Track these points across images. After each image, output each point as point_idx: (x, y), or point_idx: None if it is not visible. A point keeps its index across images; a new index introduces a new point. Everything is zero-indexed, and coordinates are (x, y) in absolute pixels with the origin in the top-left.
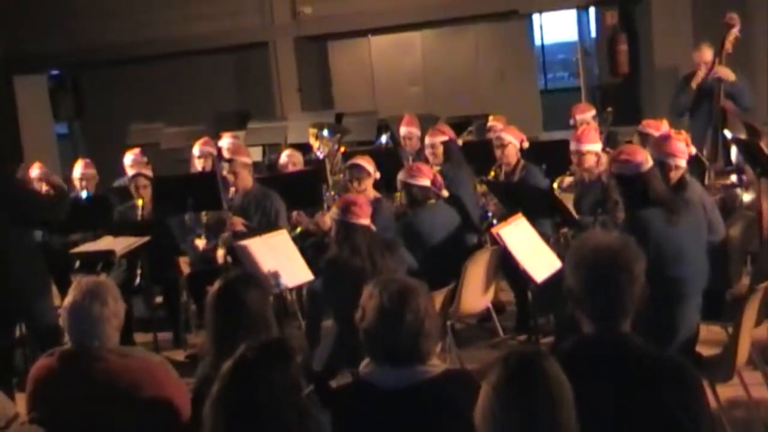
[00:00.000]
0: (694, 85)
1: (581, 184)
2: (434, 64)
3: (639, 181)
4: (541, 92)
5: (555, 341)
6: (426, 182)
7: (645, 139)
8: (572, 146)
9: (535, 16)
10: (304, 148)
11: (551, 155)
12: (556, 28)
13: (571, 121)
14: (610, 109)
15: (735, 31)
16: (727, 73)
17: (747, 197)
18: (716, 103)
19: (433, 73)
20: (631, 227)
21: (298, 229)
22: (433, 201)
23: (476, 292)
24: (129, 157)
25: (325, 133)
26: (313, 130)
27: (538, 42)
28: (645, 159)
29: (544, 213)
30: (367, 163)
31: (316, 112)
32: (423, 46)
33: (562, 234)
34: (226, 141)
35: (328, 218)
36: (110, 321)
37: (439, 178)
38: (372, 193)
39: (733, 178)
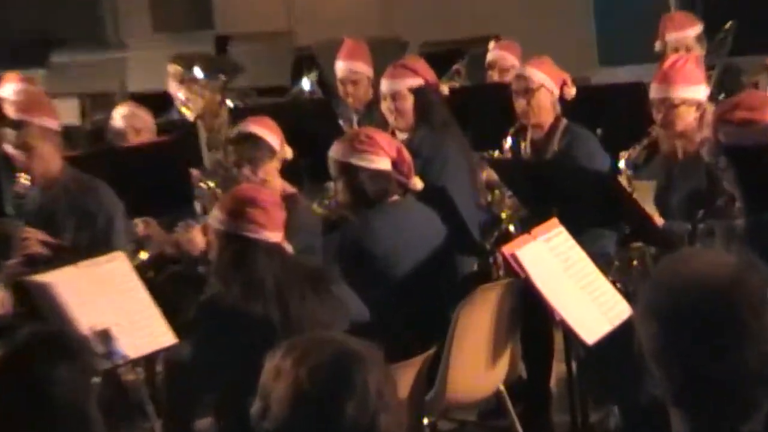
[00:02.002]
0: None
1: (669, 163)
2: None
3: None
4: None
5: None
6: (384, 164)
7: None
8: (654, 91)
9: None
10: (158, 102)
11: (615, 110)
12: None
13: (658, 45)
14: (730, 24)
15: None
16: None
17: None
18: None
19: None
20: (758, 243)
21: (143, 254)
22: (396, 198)
23: (476, 364)
24: None
25: (198, 73)
26: (175, 68)
27: None
28: None
29: (600, 216)
30: (271, 132)
31: (180, 35)
32: None
33: (635, 253)
34: (9, 88)
35: (200, 233)
36: None
37: (408, 156)
38: (281, 186)
39: None
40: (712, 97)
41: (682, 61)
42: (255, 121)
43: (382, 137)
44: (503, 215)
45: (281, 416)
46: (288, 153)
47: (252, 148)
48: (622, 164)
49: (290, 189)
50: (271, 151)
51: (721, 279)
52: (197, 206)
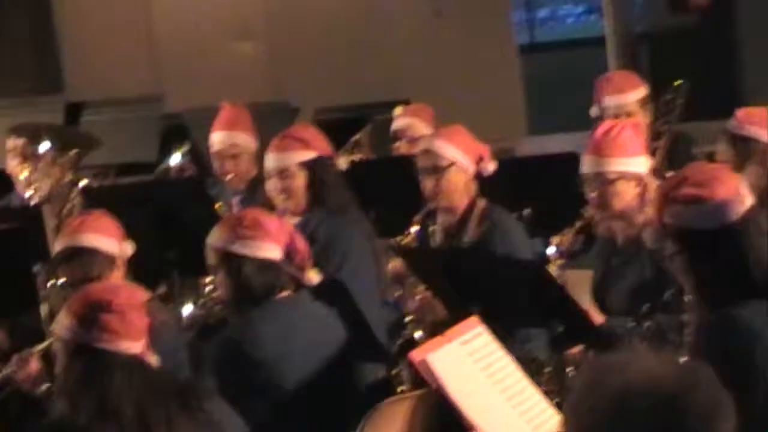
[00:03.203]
0: None
1: (608, 249)
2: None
3: (724, 243)
4: (525, 49)
5: None
6: (273, 252)
7: (744, 148)
8: (586, 165)
9: None
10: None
11: (546, 186)
12: None
13: (594, 111)
14: (679, 83)
15: None
16: None
17: None
18: None
19: (287, 14)
20: (714, 343)
21: None
22: (287, 294)
23: None
24: None
25: (44, 147)
26: (15, 142)
27: None
28: (736, 194)
29: (529, 314)
30: (105, 234)
31: (23, 101)
32: None
33: (570, 357)
34: None
35: (38, 363)
36: None
37: (303, 244)
38: (135, 292)
39: None
40: (660, 172)
41: (618, 129)
42: (82, 226)
43: (271, 221)
44: (407, 319)
45: None
46: (129, 249)
47: (85, 264)
48: (552, 250)
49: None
50: (111, 261)
51: (667, 386)
52: (43, 309)
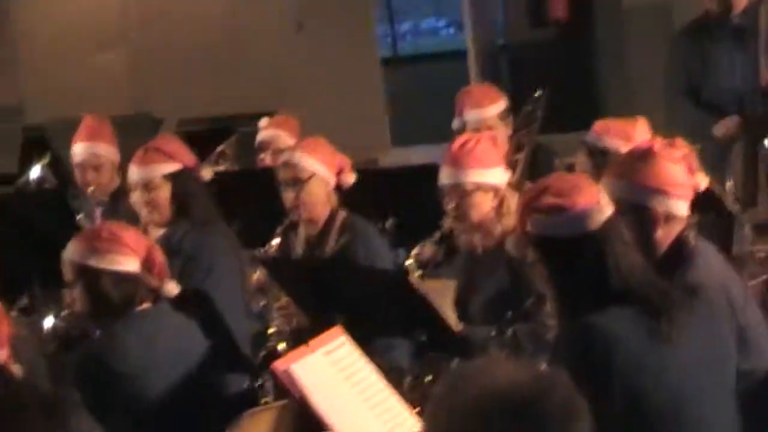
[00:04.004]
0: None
1: (469, 259)
2: (148, 3)
3: (585, 251)
4: (388, 62)
5: None
6: (131, 265)
7: (602, 159)
8: (443, 176)
9: None
10: None
11: (409, 197)
12: None
13: (456, 124)
14: (539, 94)
15: None
16: None
17: None
18: (751, 73)
19: (147, 23)
20: (570, 351)
21: None
22: (147, 306)
23: None
24: None
25: None
26: None
27: None
28: (596, 204)
29: (391, 324)
30: None
31: None
32: None
33: (432, 366)
34: None
35: None
36: None
37: (160, 256)
38: None
39: None
40: (521, 182)
41: (474, 141)
42: None
43: (128, 234)
44: (271, 330)
45: None
46: None
47: None
48: (411, 261)
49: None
50: None
51: (523, 392)
52: None
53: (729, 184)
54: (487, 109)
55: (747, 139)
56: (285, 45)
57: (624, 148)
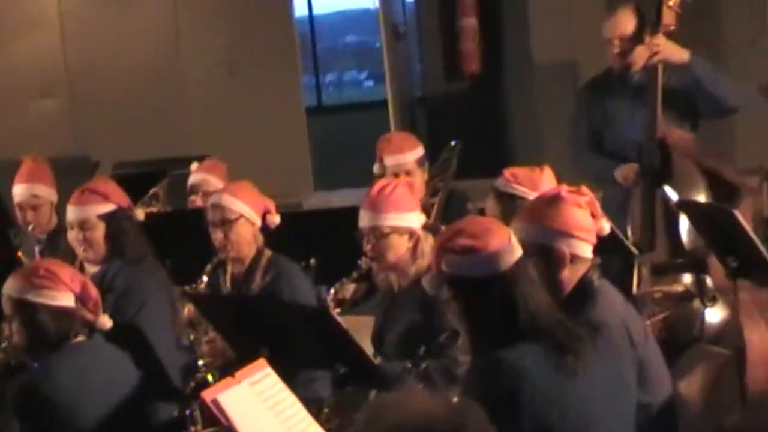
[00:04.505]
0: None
1: (386, 297)
2: (88, 56)
3: (496, 290)
4: (313, 111)
5: None
6: (67, 300)
7: (510, 204)
8: (362, 219)
9: None
10: None
11: (330, 237)
12: None
13: (376, 169)
14: (454, 144)
15: None
16: (672, 51)
17: (714, 317)
18: (650, 125)
19: (87, 73)
20: (481, 384)
21: None
22: (81, 339)
23: None
24: None
25: None
26: None
27: (302, 10)
28: (506, 245)
29: (313, 356)
30: None
31: None
32: (64, 20)
33: (351, 398)
34: None
35: None
36: None
37: (94, 291)
38: None
39: (687, 280)
40: (436, 225)
41: (392, 187)
42: None
43: (63, 270)
44: (201, 362)
45: None
46: None
47: None
48: (330, 298)
49: None
50: None
51: (438, 423)
52: None
53: (629, 229)
54: (406, 155)
55: (645, 186)
56: (216, 94)
57: (531, 194)
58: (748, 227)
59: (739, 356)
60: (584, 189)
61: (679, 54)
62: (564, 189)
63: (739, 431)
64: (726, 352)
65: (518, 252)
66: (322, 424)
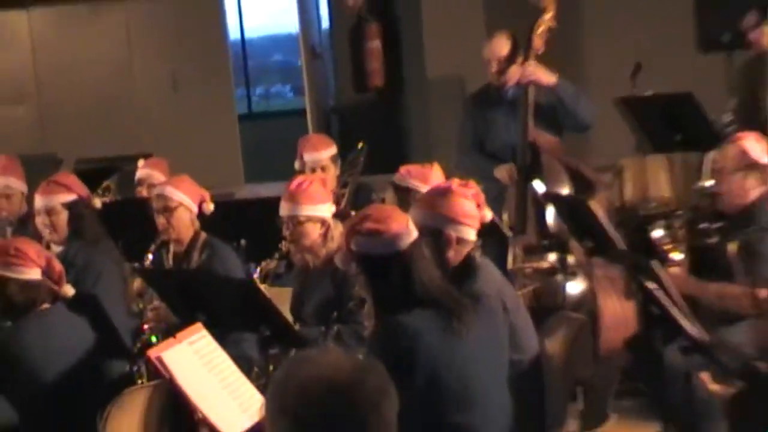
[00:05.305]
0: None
1: (302, 273)
2: (53, 67)
3: (396, 266)
4: (244, 118)
5: None
6: (33, 274)
7: (406, 195)
8: (282, 209)
9: None
10: None
11: (254, 224)
12: (266, 11)
13: (297, 165)
14: (361, 145)
15: (549, 19)
16: (541, 74)
17: (574, 289)
18: (523, 132)
19: (52, 82)
20: (384, 343)
21: None
22: (46, 306)
23: None
24: None
25: None
26: None
27: (235, 34)
28: (405, 229)
29: (240, 322)
30: None
31: None
32: (33, 35)
33: (274, 358)
34: None
35: None
36: None
37: (58, 266)
38: None
39: (552, 258)
40: (346, 212)
41: (307, 183)
42: None
43: (31, 248)
44: (144, 324)
45: None
46: None
47: None
48: (257, 274)
49: None
50: None
51: (342, 378)
52: None
53: (505, 216)
54: (321, 153)
55: (518, 182)
56: (162, 102)
57: (422, 187)
58: (601, 215)
59: (594, 321)
60: (471, 183)
61: (547, 78)
62: (455, 183)
63: (593, 382)
64: (583, 317)
65: (414, 234)
66: (250, 379)
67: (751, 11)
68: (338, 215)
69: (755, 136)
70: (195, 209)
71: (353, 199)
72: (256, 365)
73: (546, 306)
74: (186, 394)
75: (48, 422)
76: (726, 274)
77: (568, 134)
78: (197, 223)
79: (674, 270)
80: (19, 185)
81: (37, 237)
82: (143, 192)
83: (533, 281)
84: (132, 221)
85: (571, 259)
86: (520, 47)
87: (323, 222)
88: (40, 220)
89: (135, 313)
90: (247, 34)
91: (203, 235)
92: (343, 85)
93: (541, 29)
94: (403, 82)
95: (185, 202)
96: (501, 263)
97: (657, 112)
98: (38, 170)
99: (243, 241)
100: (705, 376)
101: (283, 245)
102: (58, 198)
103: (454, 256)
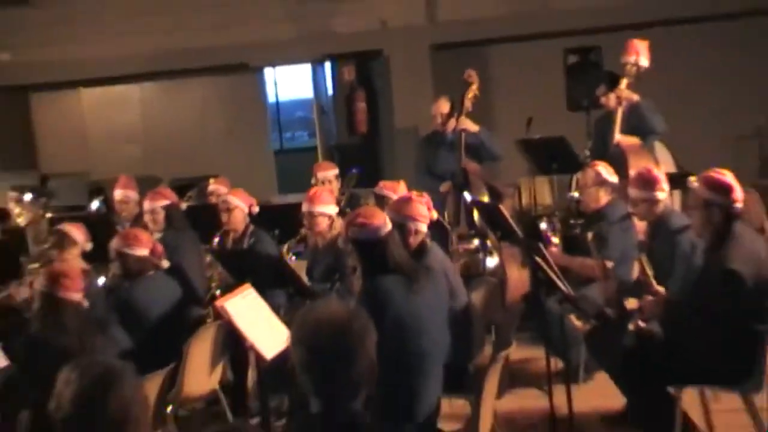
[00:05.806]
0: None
1: (314, 250)
2: (155, 121)
3: (377, 247)
4: (277, 152)
5: (286, 424)
6: (144, 252)
7: (382, 201)
8: (304, 207)
9: (269, 70)
10: (2, 215)
11: (284, 219)
12: (292, 83)
13: (314, 180)
14: (354, 170)
15: (474, 88)
16: (469, 124)
17: (491, 262)
18: (458, 162)
19: (154, 130)
20: (368, 296)
21: None
22: (151, 272)
23: (201, 373)
24: None
25: (27, 197)
26: (13, 194)
27: (272, 98)
28: (383, 223)
29: (274, 282)
30: (76, 231)
31: (16, 173)
32: (142, 101)
33: (299, 306)
34: None
35: (24, 289)
36: None
37: (159, 247)
38: (78, 264)
39: (476, 242)
40: (344, 212)
41: (320, 191)
42: (66, 225)
43: (142, 235)
44: (212, 284)
45: (68, 410)
46: (86, 246)
47: (58, 239)
48: (285, 250)
49: (84, 267)
50: (72, 242)
51: (340, 320)
52: (27, 280)
53: (445, 215)
54: (328, 173)
55: (454, 194)
56: (224, 142)
57: (393, 195)
58: (507, 214)
59: (502, 283)
60: (424, 194)
61: (473, 127)
62: (414, 194)
63: (501, 322)
64: (495, 280)
65: (389, 227)
66: (281, 319)
67: (601, 83)
68: (339, 213)
69: (604, 164)
70: (246, 210)
71: (349, 203)
72: (283, 310)
73: (472, 273)
74: (239, 329)
75: (151, 348)
76: (585, 253)
77: (486, 163)
78: (248, 219)
79: (553, 249)
80: (134, 195)
81: (145, 228)
82: (212, 200)
83: (464, 258)
84: (206, 218)
85: (489, 243)
86: (456, 107)
87: (329, 217)
88: (147, 217)
89: (206, 277)
90: (280, 98)
91: (251, 227)
92: (341, 131)
93: (470, 95)
94: (380, 129)
95: (240, 206)
96: (444, 246)
97: (542, 149)
98: (146, 185)
99: (277, 231)
100: (572, 318)
101: (303, 231)
102: (158, 203)
103: (413, 241)
